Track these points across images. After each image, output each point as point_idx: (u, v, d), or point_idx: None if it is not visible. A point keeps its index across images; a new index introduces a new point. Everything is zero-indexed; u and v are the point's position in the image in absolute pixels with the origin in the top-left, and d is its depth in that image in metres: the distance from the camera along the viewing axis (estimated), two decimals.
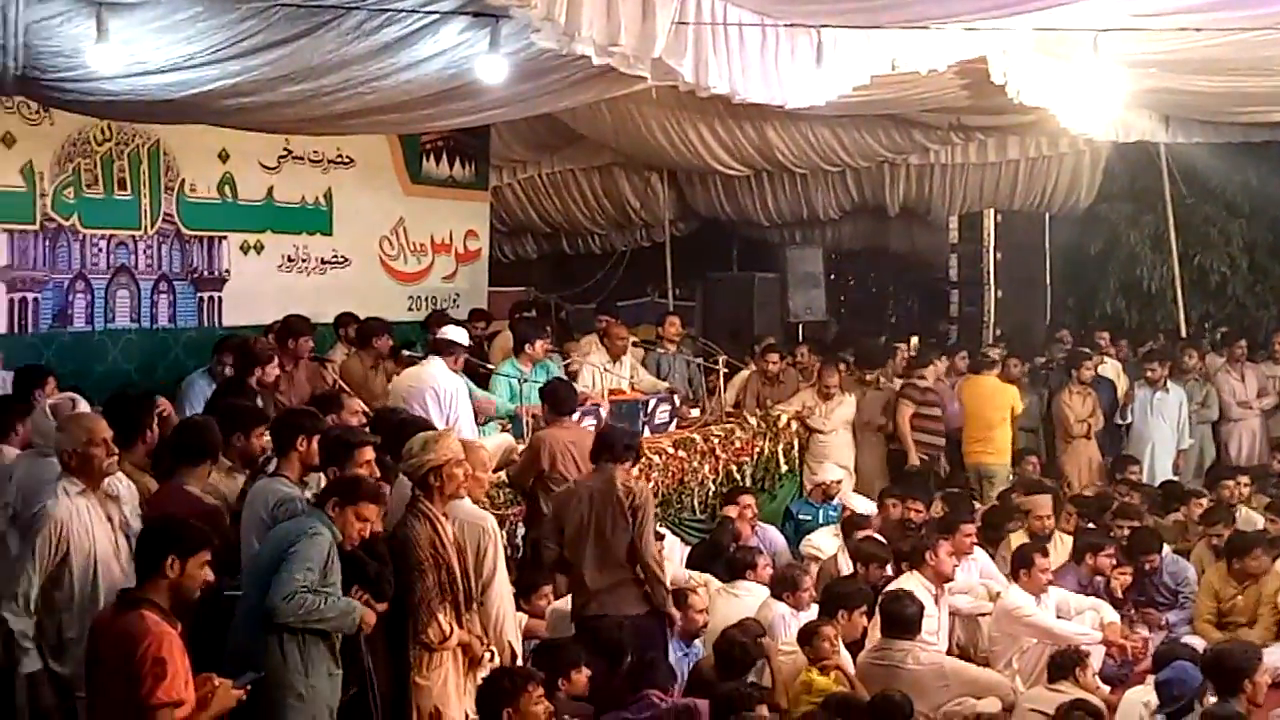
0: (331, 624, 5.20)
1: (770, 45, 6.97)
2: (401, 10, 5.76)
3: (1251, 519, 9.90)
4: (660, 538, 8.55)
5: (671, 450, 9.57)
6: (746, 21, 6.66)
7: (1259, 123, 12.16)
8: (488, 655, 6.02)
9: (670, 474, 9.47)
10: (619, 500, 6.81)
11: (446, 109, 8.02)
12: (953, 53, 8.16)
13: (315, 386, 8.93)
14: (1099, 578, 8.76)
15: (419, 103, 7.63)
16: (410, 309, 12.74)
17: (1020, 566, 8.10)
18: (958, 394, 11.77)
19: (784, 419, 10.77)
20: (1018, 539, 9.12)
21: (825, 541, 9.49)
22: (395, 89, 7.10)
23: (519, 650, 6.40)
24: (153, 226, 10.47)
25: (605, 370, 10.31)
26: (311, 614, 5.10)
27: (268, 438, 6.26)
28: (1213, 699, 5.92)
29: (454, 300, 13.19)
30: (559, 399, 8.30)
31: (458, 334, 8.86)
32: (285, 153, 11.43)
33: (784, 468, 10.67)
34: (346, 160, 12.01)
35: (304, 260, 11.75)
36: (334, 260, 12.03)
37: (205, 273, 10.92)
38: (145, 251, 10.45)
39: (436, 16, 5.91)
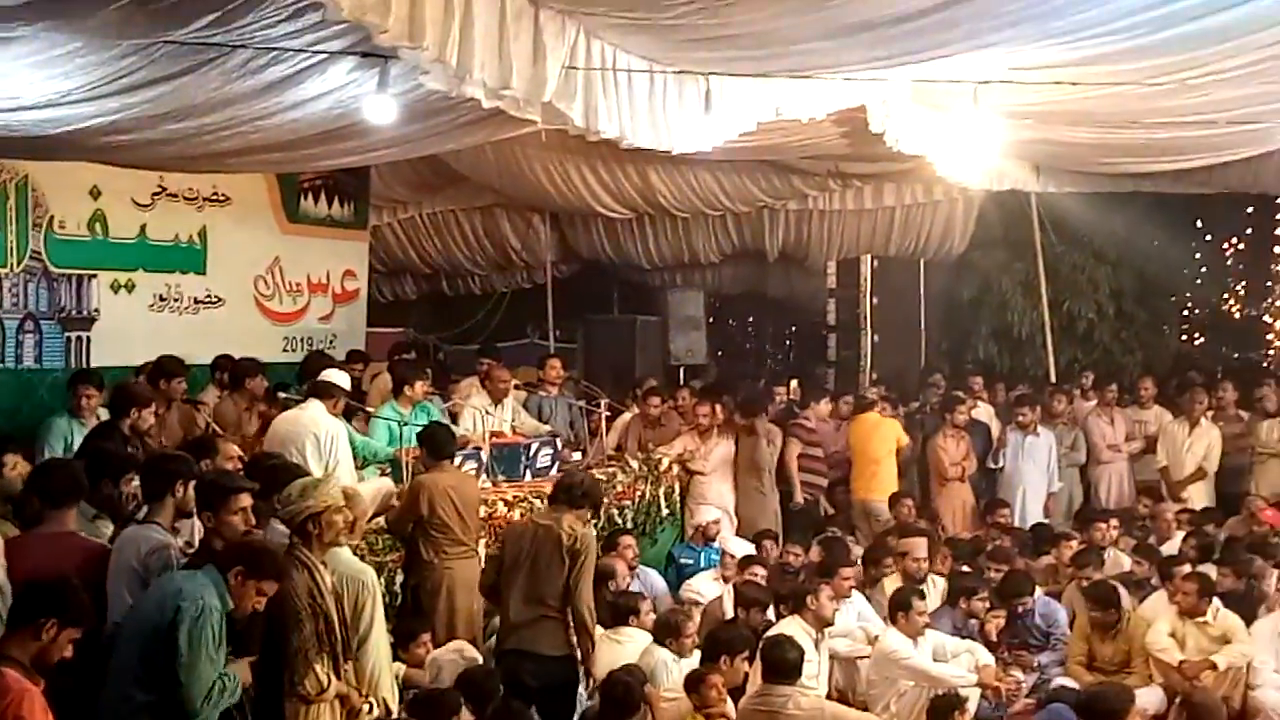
0: (229, 701, 5.12)
1: (659, 91, 7.02)
2: (289, 49, 5.66)
3: (1120, 561, 10.15)
4: None
5: None
6: (636, 68, 6.69)
7: (1125, 173, 12.57)
8: (366, 707, 5.88)
9: None
10: (559, 539, 6.94)
11: (332, 149, 7.93)
12: (833, 101, 8.32)
13: (187, 430, 8.72)
14: (973, 620, 8.88)
15: (304, 142, 7.52)
16: (285, 350, 12.52)
17: (898, 610, 8.18)
18: (843, 434, 11.95)
19: (665, 462, 10.77)
20: (893, 582, 9.25)
21: (706, 586, 9.51)
22: (280, 128, 6.99)
23: (394, 705, 6.26)
24: (19, 264, 10.16)
25: (486, 413, 10.20)
26: (220, 701, 5.03)
27: (136, 483, 6.06)
28: None
29: (330, 341, 12.97)
30: (438, 443, 8.19)
31: (338, 377, 8.68)
32: (159, 190, 11.17)
33: (665, 511, 10.65)
34: (222, 198, 11.78)
35: (177, 300, 11.47)
36: (207, 300, 11.77)
37: (74, 312, 10.61)
38: (11, 290, 10.14)
39: (325, 56, 5.82)
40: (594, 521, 7.61)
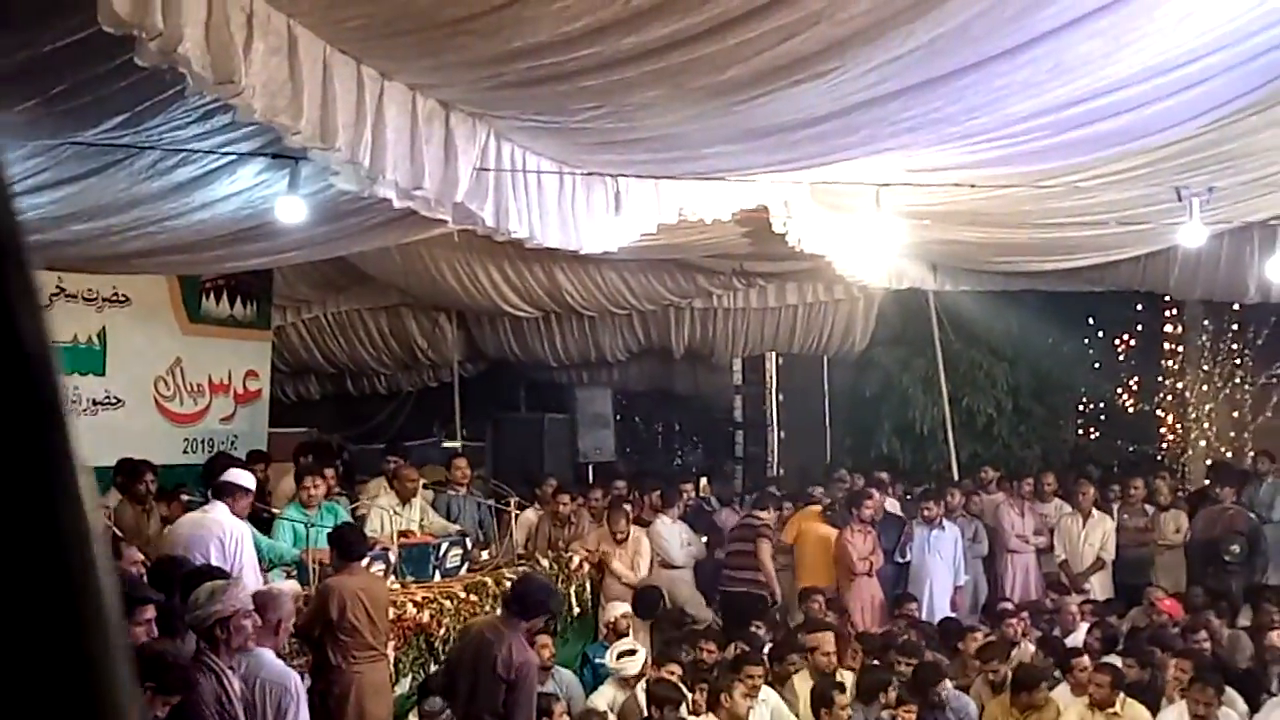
0: None
1: (568, 193, 7.11)
2: (198, 150, 5.66)
3: (1028, 653, 10.25)
4: None
5: (463, 595, 9.39)
6: (546, 169, 6.78)
7: (1019, 272, 12.93)
8: None
9: (461, 618, 9.26)
10: (495, 664, 6.79)
11: (240, 250, 7.88)
12: (736, 202, 8.50)
13: None
14: (886, 712, 8.90)
15: (212, 243, 7.47)
16: (186, 451, 12.29)
17: (820, 705, 8.17)
18: (789, 532, 12.19)
19: (576, 560, 10.72)
20: (802, 679, 9.27)
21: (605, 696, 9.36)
22: (188, 229, 6.95)
23: None
24: None
25: (394, 513, 10.10)
26: None
27: None
28: None
29: (232, 442, 12.76)
30: (347, 544, 8.06)
31: (242, 477, 8.54)
32: (58, 290, 10.94)
33: (576, 610, 10.58)
34: (122, 299, 11.60)
35: (75, 401, 11.22)
36: (106, 401, 11.54)
37: None
38: None
39: (234, 157, 5.83)
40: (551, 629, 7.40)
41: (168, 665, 5.22)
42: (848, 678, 9.55)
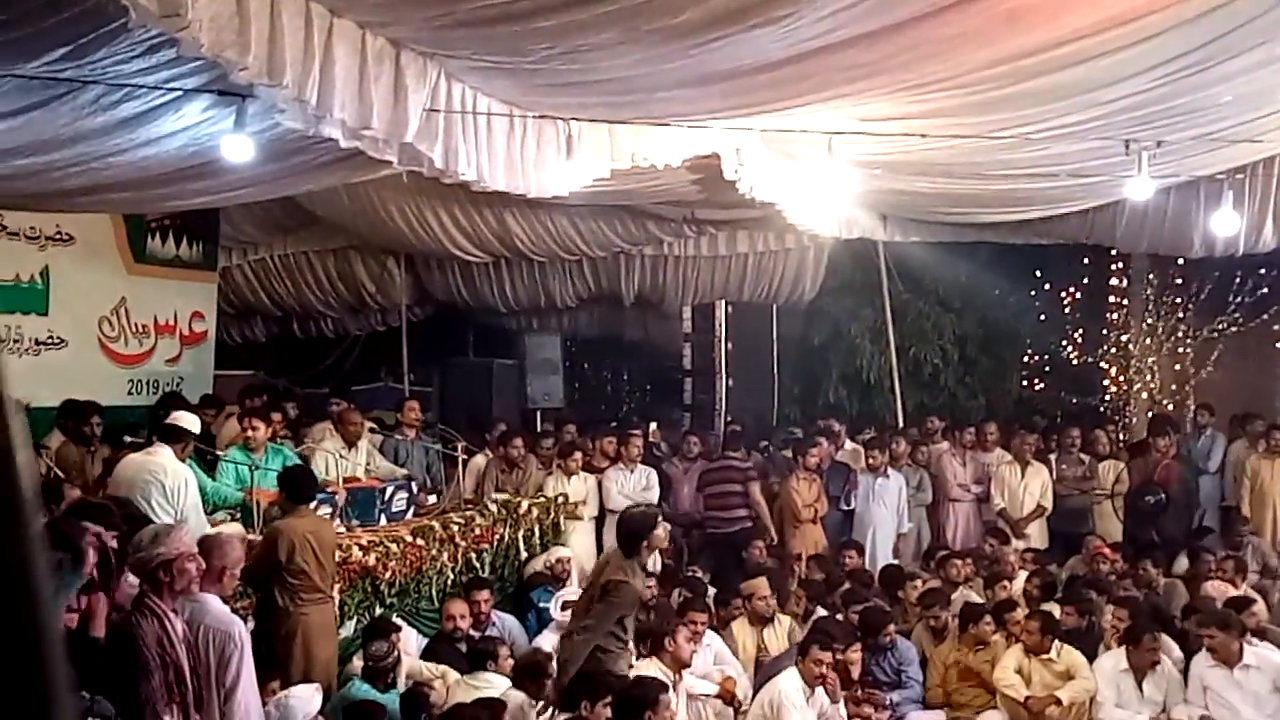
0: None
1: (518, 136, 7.05)
2: (143, 85, 5.55)
3: (967, 599, 10.40)
4: (396, 629, 8.40)
5: (410, 538, 9.38)
6: (497, 111, 6.72)
7: (968, 223, 12.99)
8: None
9: (408, 563, 9.26)
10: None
11: (185, 188, 7.75)
12: (688, 149, 8.46)
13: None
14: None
15: (156, 181, 7.35)
16: (131, 393, 12.17)
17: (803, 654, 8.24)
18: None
19: (525, 505, 10.73)
20: (740, 625, 9.40)
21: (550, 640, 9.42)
22: (132, 166, 6.82)
23: None
24: None
25: (340, 456, 10.06)
26: None
27: None
28: None
29: (178, 384, 12.65)
30: (298, 486, 8.02)
31: (186, 420, 8.46)
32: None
33: (524, 554, 10.60)
34: (66, 237, 11.43)
35: (17, 341, 11.06)
36: (49, 341, 11.38)
37: None
38: None
39: (180, 93, 5.72)
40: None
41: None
42: (785, 623, 9.73)
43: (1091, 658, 9.05)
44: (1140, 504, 12.12)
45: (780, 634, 9.66)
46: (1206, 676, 8.52)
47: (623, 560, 7.19)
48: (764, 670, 8.97)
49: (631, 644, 7.68)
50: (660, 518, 8.02)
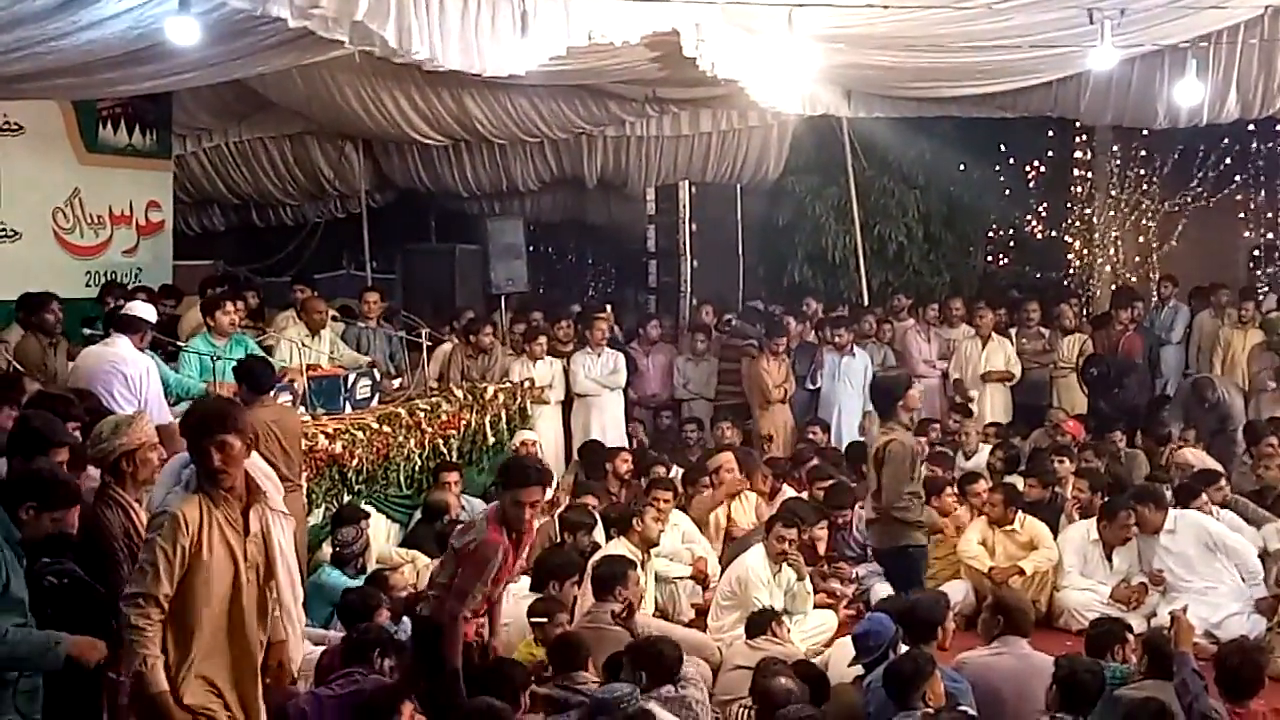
0: (25, 664, 4.75)
1: (471, 13, 6.87)
2: None
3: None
4: (365, 516, 8.45)
5: (376, 425, 9.37)
6: None
7: (932, 98, 12.86)
8: None
9: (375, 449, 9.27)
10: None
11: (131, 73, 7.56)
12: (646, 25, 8.28)
13: None
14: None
15: (101, 65, 7.16)
16: (89, 285, 11.98)
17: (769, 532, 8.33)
18: None
19: (490, 391, 10.72)
20: (700, 500, 9.63)
21: None
22: (75, 50, 6.62)
23: None
24: None
25: (303, 344, 9.99)
26: None
27: None
28: (905, 647, 6.25)
29: (136, 275, 12.48)
30: (256, 377, 7.99)
31: (143, 309, 8.34)
32: None
33: (491, 440, 10.62)
34: (15, 127, 11.15)
35: None
36: (2, 234, 11.18)
37: None
38: None
39: None
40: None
41: (45, 481, 5.09)
42: (752, 499, 9.87)
43: (1054, 529, 9.20)
44: (1086, 375, 12.22)
45: (748, 508, 9.81)
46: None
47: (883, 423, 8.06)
48: (732, 548, 9.09)
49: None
50: (911, 378, 8.78)
